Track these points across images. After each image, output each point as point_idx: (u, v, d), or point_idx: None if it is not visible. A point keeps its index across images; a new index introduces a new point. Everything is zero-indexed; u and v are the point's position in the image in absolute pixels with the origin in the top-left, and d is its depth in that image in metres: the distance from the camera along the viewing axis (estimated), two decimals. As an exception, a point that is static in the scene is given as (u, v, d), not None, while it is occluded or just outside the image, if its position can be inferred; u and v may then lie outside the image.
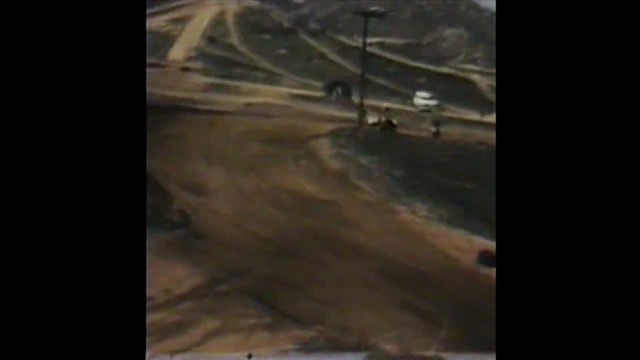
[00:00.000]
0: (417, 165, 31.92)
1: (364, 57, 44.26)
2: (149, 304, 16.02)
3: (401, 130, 39.55)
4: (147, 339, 14.53)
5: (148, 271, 18.12)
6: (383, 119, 40.34)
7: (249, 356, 12.50)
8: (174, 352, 12.90)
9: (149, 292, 16.53)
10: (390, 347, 14.90)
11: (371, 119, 40.06)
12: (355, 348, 14.71)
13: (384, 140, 37.08)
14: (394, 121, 40.28)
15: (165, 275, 17.67)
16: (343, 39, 64.95)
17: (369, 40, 46.31)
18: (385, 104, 41.32)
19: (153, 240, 19.97)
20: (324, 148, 34.36)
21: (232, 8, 68.56)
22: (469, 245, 22.67)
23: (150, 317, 15.49)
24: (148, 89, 34.99)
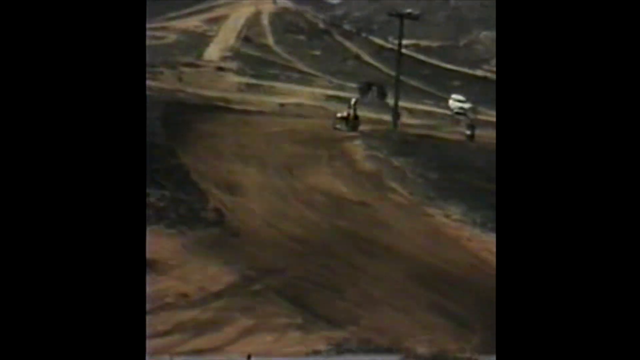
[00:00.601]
0: (451, 168, 31.77)
1: (399, 59, 44.14)
2: (183, 301, 16.22)
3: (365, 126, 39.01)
4: (181, 336, 14.73)
5: (183, 268, 18.37)
6: (351, 112, 39.32)
7: (249, 357, 12.53)
8: (174, 353, 12.88)
9: (184, 288, 16.74)
10: (423, 350, 14.85)
11: (339, 114, 39.39)
12: (388, 350, 14.69)
13: (418, 142, 36.96)
14: (357, 113, 39.17)
15: (200, 273, 17.81)
16: (378, 40, 64.83)
17: (404, 42, 46.20)
18: (353, 99, 40.32)
19: (188, 238, 20.16)
20: (358, 149, 34.34)
21: (267, 8, 68.80)
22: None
23: (185, 315, 15.68)
24: (184, 88, 35.34)
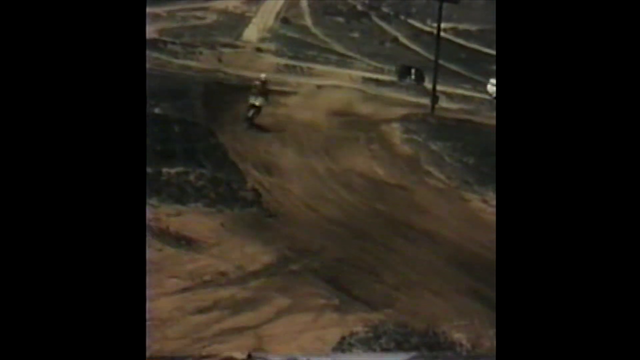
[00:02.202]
0: (489, 153, 31.54)
1: (437, 42, 43.82)
2: (221, 279, 16.37)
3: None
4: (219, 313, 14.86)
5: (221, 247, 18.47)
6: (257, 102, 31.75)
7: (249, 356, 12.60)
8: (175, 354, 12.93)
9: (223, 267, 16.88)
10: (458, 335, 14.85)
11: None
12: (424, 334, 14.71)
13: (456, 127, 36.75)
14: (257, 103, 31.63)
15: (238, 252, 17.93)
16: (416, 23, 64.35)
17: (442, 25, 45.81)
18: (262, 75, 33.00)
19: (226, 216, 20.30)
20: (396, 132, 34.23)
21: (306, -10, 68.70)
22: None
23: (223, 293, 15.83)
24: (224, 69, 35.44)
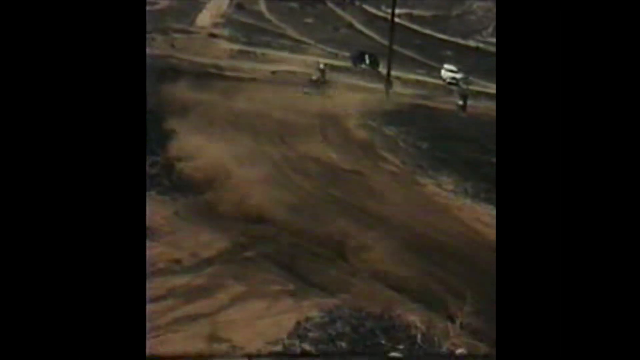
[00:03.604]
0: (443, 138, 31.80)
1: (392, 28, 43.95)
2: (176, 267, 16.27)
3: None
4: (173, 302, 14.77)
5: (176, 235, 18.35)
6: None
7: (249, 357, 12.61)
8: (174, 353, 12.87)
9: (177, 254, 16.78)
10: (413, 318, 14.97)
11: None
12: (379, 317, 14.79)
13: (410, 112, 36.93)
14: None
15: (192, 240, 17.83)
16: (371, 9, 64.43)
17: (397, 11, 45.95)
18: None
19: (180, 204, 20.16)
20: (350, 118, 34.27)
21: (260, -25, 68.32)
22: (493, 219, 22.61)
23: (178, 280, 15.74)
24: (177, 54, 35.12)
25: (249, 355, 12.72)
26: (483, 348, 13.65)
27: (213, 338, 13.62)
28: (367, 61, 48.94)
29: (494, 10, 70.76)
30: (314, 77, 40.32)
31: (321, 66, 41.61)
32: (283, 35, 55.24)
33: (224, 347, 13.23)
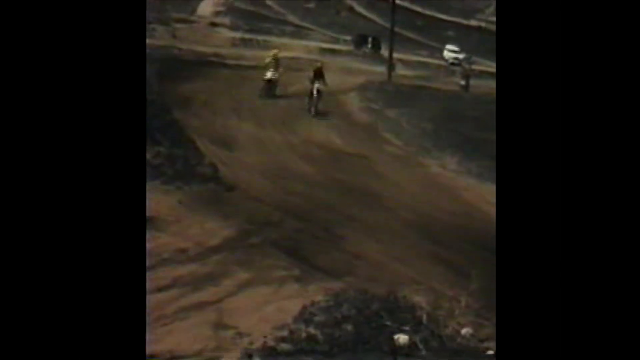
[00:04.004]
0: (447, 119, 31.79)
1: (393, 10, 43.83)
2: (182, 256, 16.35)
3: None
4: (179, 291, 14.85)
5: (181, 224, 18.41)
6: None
7: (250, 356, 12.67)
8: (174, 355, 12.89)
9: (183, 244, 16.85)
10: (419, 299, 15.02)
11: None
12: (385, 299, 14.85)
13: (413, 93, 36.90)
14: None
15: (197, 228, 17.90)
16: (372, -9, 64.26)
17: (398, -8, 45.81)
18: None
19: (185, 193, 20.23)
20: (353, 101, 34.30)
21: (260, -38, 68.11)
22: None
23: (183, 269, 15.81)
24: (178, 44, 35.20)
25: (249, 354, 12.75)
26: (489, 327, 13.69)
27: (219, 325, 13.69)
28: (369, 44, 48.87)
29: (496, -12, 70.30)
30: (269, 76, 32.83)
31: (269, 59, 33.44)
32: (284, 22, 55.15)
33: (230, 333, 13.29)
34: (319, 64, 33.07)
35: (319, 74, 31.71)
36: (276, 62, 33.41)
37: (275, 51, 34.90)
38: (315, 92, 31.08)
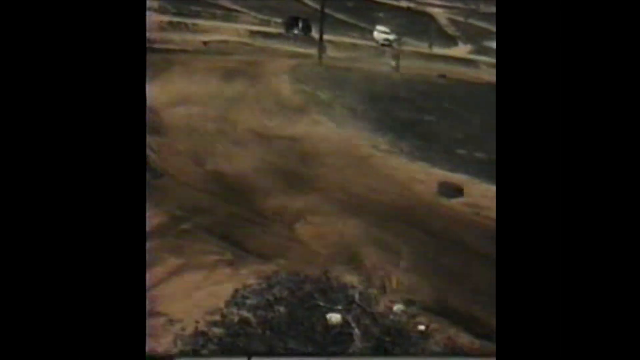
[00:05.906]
0: (378, 100, 31.93)
1: (322, -9, 43.71)
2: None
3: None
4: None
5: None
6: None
7: (249, 357, 12.62)
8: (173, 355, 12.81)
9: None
10: (350, 278, 15.11)
11: None
12: (317, 280, 14.89)
13: (344, 75, 36.94)
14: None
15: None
16: (301, -27, 64.04)
17: (327, -26, 45.62)
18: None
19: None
20: (285, 85, 34.15)
21: (187, -56, 67.15)
22: (428, 177, 22.97)
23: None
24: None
25: (249, 355, 12.70)
26: (418, 304, 13.89)
27: (151, 313, 13.53)
28: (300, 27, 48.69)
29: (425, -31, 70.58)
30: None
31: None
32: (214, 4, 54.51)
33: (161, 321, 13.16)
34: None
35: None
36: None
37: None
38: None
